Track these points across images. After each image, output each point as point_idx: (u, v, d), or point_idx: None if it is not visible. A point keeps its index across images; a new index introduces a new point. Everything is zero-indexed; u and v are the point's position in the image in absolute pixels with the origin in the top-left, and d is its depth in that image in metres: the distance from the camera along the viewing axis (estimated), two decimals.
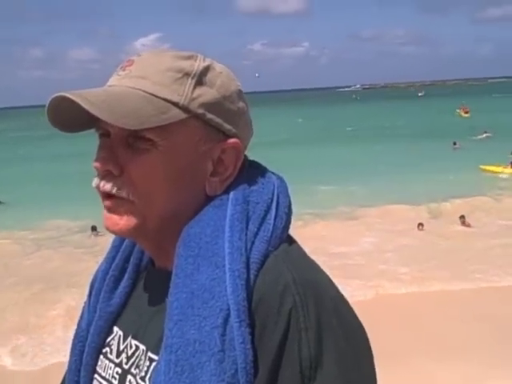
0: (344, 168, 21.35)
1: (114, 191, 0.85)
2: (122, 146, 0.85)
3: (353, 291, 8.15)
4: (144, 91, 0.83)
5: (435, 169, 19.65)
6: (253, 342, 0.77)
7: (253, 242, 0.82)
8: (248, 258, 0.81)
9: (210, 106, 0.86)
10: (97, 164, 0.85)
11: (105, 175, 0.86)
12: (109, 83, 0.88)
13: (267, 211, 0.86)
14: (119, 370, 0.92)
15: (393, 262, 10.59)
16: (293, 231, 0.90)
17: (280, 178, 0.92)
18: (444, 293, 8.95)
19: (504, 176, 19.07)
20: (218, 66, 0.90)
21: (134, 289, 0.97)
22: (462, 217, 13.59)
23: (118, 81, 0.86)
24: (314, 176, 18.95)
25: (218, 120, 0.86)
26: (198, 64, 0.87)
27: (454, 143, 27.70)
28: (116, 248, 1.00)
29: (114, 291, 0.97)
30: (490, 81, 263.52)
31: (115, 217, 0.87)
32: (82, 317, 1.02)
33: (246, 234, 0.82)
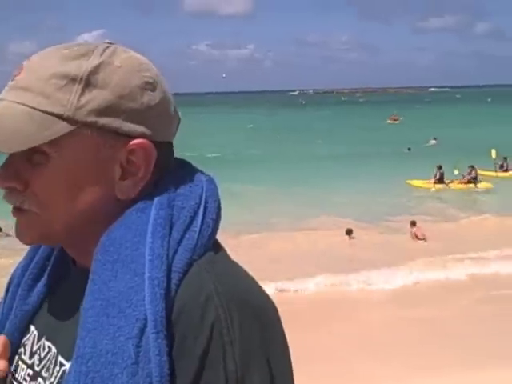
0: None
1: (17, 204, 0.83)
2: (23, 161, 0.81)
3: None
4: (26, 105, 0.79)
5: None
6: (170, 355, 0.74)
7: (176, 250, 0.78)
8: (169, 267, 0.77)
9: (102, 111, 0.79)
10: None
11: (8, 192, 0.83)
12: (0, 96, 0.83)
13: (193, 217, 0.82)
14: (30, 372, 0.88)
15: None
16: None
17: (209, 180, 0.87)
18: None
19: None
20: (120, 58, 0.82)
21: (53, 287, 0.94)
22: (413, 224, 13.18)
23: (5, 93, 0.82)
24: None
25: (115, 123, 0.80)
26: (88, 64, 0.80)
27: (409, 149, 28.51)
28: (37, 246, 0.95)
29: (32, 289, 0.94)
30: (430, 90, 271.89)
31: (23, 229, 0.85)
32: None
33: (169, 242, 0.78)
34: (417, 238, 13.08)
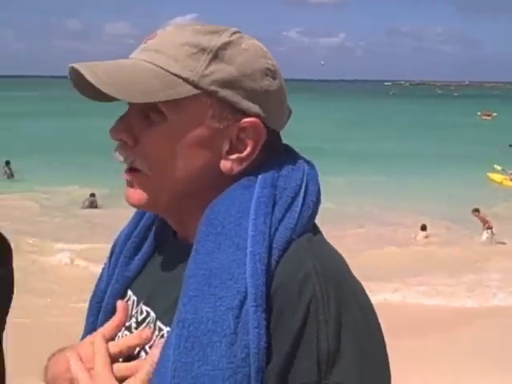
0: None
1: (128, 162, 0.86)
2: (140, 117, 0.85)
3: None
4: (156, 65, 0.83)
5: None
6: (267, 329, 0.77)
7: (277, 228, 0.81)
8: (271, 244, 0.80)
9: (224, 84, 0.83)
10: (111, 133, 0.86)
11: (120, 145, 0.87)
12: (131, 55, 0.88)
13: (294, 198, 0.84)
14: (127, 333, 0.92)
15: None
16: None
17: (311, 165, 0.90)
18: None
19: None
20: (246, 43, 0.87)
21: (153, 256, 0.97)
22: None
23: (136, 54, 0.87)
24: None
25: (234, 97, 0.84)
26: (218, 40, 0.84)
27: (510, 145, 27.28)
28: (140, 214, 0.99)
29: (133, 257, 0.98)
30: None
31: (131, 190, 0.88)
32: (100, 278, 1.03)
33: (271, 219, 0.81)
34: (485, 222, 12.98)
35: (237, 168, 0.86)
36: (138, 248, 0.98)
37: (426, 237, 13.00)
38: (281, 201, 0.83)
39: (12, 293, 1.64)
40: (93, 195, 15.14)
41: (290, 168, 0.87)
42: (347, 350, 0.76)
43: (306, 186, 0.86)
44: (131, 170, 0.87)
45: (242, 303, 0.77)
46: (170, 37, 0.86)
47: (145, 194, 0.87)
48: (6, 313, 1.63)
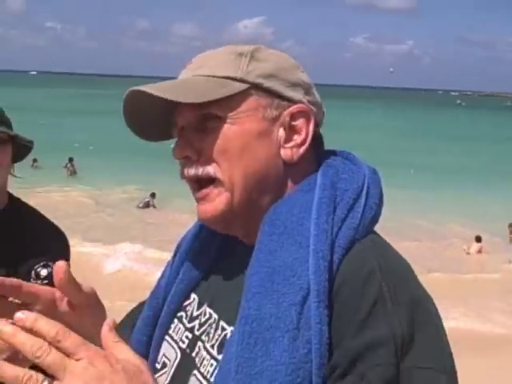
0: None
1: (200, 173, 0.90)
2: (195, 132, 0.91)
3: None
4: (204, 75, 0.91)
5: None
6: (329, 325, 0.77)
7: (339, 228, 0.82)
8: (333, 242, 0.81)
9: (267, 76, 0.91)
10: (175, 153, 0.91)
11: (186, 162, 0.91)
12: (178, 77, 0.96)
13: (356, 199, 0.86)
14: (189, 335, 0.94)
15: None
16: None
17: (373, 170, 0.92)
18: None
19: None
20: (272, 49, 0.96)
21: (219, 260, 0.99)
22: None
23: (182, 75, 0.95)
24: None
25: (279, 87, 0.91)
26: (250, 47, 0.93)
27: None
28: None
29: (200, 259, 0.99)
30: None
31: (207, 204, 0.90)
32: (162, 275, 1.05)
33: (333, 219, 0.83)
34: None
35: (296, 154, 0.91)
36: (205, 251, 1.00)
37: (479, 251, 12.65)
38: (342, 202, 0.85)
39: None
40: (153, 195, 15.42)
41: (351, 172, 0.90)
42: (420, 336, 0.77)
43: (368, 188, 0.88)
44: (200, 186, 0.91)
45: (305, 299, 0.78)
46: (207, 56, 0.95)
47: (222, 201, 0.90)
48: None
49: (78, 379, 0.65)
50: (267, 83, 0.91)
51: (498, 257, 12.41)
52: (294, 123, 0.91)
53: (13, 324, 0.67)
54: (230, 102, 0.89)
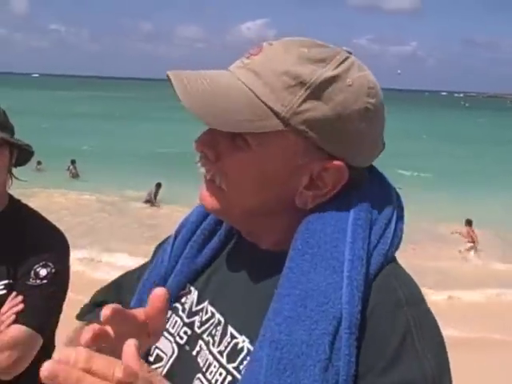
0: None
1: (209, 176, 0.87)
2: (226, 137, 0.84)
3: None
4: (252, 90, 0.81)
5: None
6: (357, 356, 0.76)
7: (371, 254, 0.80)
8: (367, 270, 0.79)
9: (315, 123, 0.80)
10: (197, 146, 0.86)
11: (202, 158, 0.87)
12: (230, 67, 0.86)
13: (387, 225, 0.84)
14: (188, 331, 0.91)
15: None
16: None
17: (398, 193, 0.91)
18: None
19: None
20: (352, 77, 0.82)
21: (221, 253, 0.96)
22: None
23: (237, 68, 0.85)
24: None
25: (322, 140, 0.81)
26: (322, 72, 0.80)
27: None
28: None
29: (201, 250, 0.96)
30: None
31: (207, 193, 0.88)
32: (159, 260, 0.99)
33: (368, 244, 0.80)
34: (469, 237, 12.37)
35: (312, 203, 0.86)
36: (206, 241, 0.97)
37: (470, 236, 12.60)
38: (376, 226, 0.83)
39: (66, 289, 1.77)
40: (158, 185, 15.29)
41: (383, 194, 0.88)
42: (445, 378, 0.77)
43: (397, 213, 0.87)
44: (210, 181, 0.88)
45: (337, 329, 0.76)
46: (273, 58, 0.82)
47: (218, 205, 0.88)
48: (59, 311, 1.73)
49: None
50: (311, 133, 0.81)
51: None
52: (323, 175, 0.84)
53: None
54: (264, 135, 0.81)
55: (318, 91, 0.80)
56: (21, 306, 1.62)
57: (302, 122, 0.80)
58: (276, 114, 0.80)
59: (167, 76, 0.82)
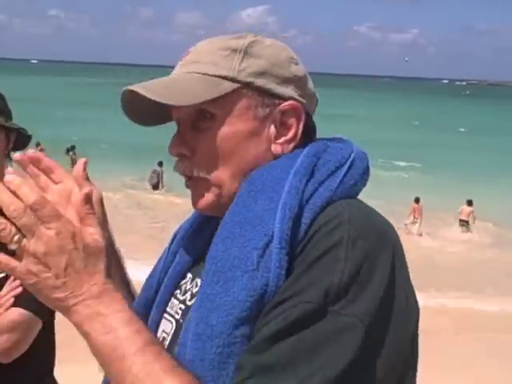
0: None
1: (188, 172, 0.95)
2: (190, 130, 0.94)
3: None
4: (197, 73, 0.93)
5: None
6: (288, 272, 0.80)
7: (316, 189, 0.86)
8: (307, 200, 0.84)
9: (258, 74, 0.93)
10: (170, 150, 0.95)
11: (179, 159, 0.95)
12: (173, 71, 0.98)
13: (338, 168, 0.89)
14: (182, 306, 0.97)
15: None
16: None
17: (363, 152, 0.95)
18: None
19: None
20: (269, 40, 0.97)
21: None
22: None
23: (177, 69, 0.97)
24: None
25: (270, 85, 0.93)
26: (245, 41, 0.95)
27: None
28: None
29: (194, 242, 1.03)
30: None
31: (196, 196, 0.96)
32: (159, 260, 1.09)
33: (309, 180, 0.86)
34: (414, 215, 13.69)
35: (286, 149, 0.94)
36: (201, 234, 1.04)
37: (469, 215, 13.79)
38: (323, 168, 0.88)
39: None
40: (160, 164, 15.10)
41: (338, 147, 0.93)
42: (357, 290, 0.77)
43: (353, 161, 0.91)
44: (189, 178, 0.96)
45: (267, 245, 0.82)
46: (203, 48, 0.97)
47: (210, 197, 0.95)
48: None
49: (41, 245, 0.76)
50: (258, 82, 0.93)
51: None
52: (284, 119, 0.94)
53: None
54: (223, 101, 0.92)
55: (248, 52, 0.94)
56: (19, 289, 1.60)
57: (248, 75, 0.93)
58: (225, 78, 0.92)
59: (122, 93, 0.93)
